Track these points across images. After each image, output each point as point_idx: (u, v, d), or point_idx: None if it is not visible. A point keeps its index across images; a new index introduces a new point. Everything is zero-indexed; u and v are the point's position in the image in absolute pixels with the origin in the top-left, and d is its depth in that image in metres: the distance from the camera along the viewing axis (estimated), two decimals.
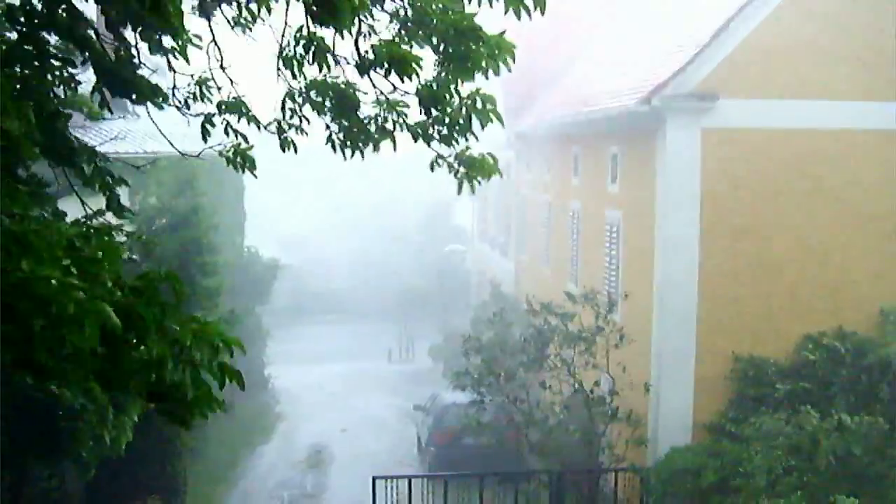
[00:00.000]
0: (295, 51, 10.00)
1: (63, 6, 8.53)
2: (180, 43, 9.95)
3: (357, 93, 10.23)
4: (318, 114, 10.41)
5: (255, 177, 11.46)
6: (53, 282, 5.94)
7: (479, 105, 9.82)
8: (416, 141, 10.30)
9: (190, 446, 26.26)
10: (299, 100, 10.45)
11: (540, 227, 37.50)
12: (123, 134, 20.80)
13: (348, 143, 10.45)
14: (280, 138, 10.97)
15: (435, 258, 59.83)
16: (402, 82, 9.63)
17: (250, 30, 10.56)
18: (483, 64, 9.55)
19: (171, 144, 12.05)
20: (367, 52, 9.51)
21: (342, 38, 9.57)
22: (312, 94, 10.32)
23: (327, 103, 10.26)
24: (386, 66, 9.36)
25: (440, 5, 9.50)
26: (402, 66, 9.23)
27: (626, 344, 24.08)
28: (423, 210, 67.55)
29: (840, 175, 23.70)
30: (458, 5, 9.57)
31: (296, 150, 11.07)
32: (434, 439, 31.60)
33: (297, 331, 59.04)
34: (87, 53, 9.23)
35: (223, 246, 29.40)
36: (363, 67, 9.62)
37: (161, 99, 10.48)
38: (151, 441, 21.69)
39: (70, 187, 10.48)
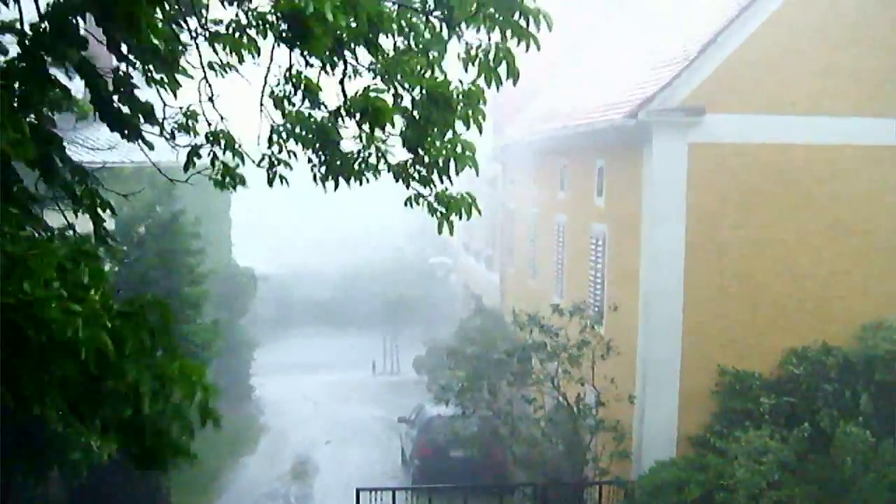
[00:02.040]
0: (284, 89, 10.04)
1: (69, 30, 8.52)
2: (169, 75, 9.94)
3: (340, 128, 10.25)
4: (303, 147, 10.41)
5: (246, 187, 11.42)
6: (53, 305, 5.95)
7: (458, 150, 9.85)
8: (396, 181, 10.34)
9: None
10: (284, 134, 10.45)
11: (526, 240, 37.53)
12: (113, 143, 20.80)
13: (329, 176, 10.47)
14: (269, 174, 10.98)
15: (421, 270, 59.88)
16: (373, 133, 9.69)
17: (226, 72, 10.52)
18: (455, 124, 9.66)
19: (160, 171, 12.09)
20: (348, 97, 9.57)
21: (326, 73, 9.61)
22: (297, 128, 10.33)
23: (310, 137, 10.29)
24: (360, 114, 9.40)
25: (415, 66, 9.55)
26: (377, 116, 9.27)
27: (613, 355, 24.10)
28: (410, 222, 67.46)
29: (826, 190, 23.75)
30: (429, 68, 9.64)
31: (288, 184, 11.12)
32: (418, 452, 31.59)
33: (282, 341, 59.00)
34: (85, 80, 9.23)
35: (208, 255, 29.30)
36: (345, 110, 9.67)
37: (154, 126, 10.45)
38: None
39: (55, 202, 10.44)
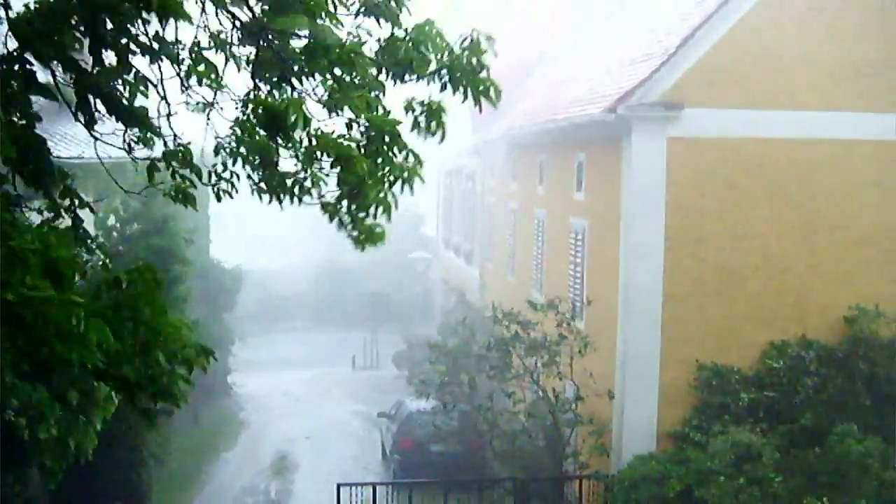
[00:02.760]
0: (247, 115, 10.03)
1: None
2: (129, 88, 9.91)
3: (278, 148, 10.26)
4: (242, 164, 10.39)
5: (195, 209, 11.35)
6: (56, 302, 6.12)
7: (387, 199, 9.91)
8: (324, 213, 10.36)
9: (154, 454, 26.15)
10: (227, 150, 10.43)
11: (505, 235, 37.58)
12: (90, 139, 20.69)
13: (268, 194, 10.46)
14: (214, 190, 10.95)
15: (400, 265, 59.78)
16: (347, 179, 9.70)
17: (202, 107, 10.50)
18: (400, 170, 9.74)
19: (117, 184, 12.06)
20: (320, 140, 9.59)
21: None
22: (240, 147, 10.31)
23: (250, 156, 10.28)
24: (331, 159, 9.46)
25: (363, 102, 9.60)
26: (348, 165, 9.33)
27: (592, 350, 24.17)
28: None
29: (805, 184, 23.86)
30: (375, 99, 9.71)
31: (231, 197, 11.06)
32: (399, 446, 31.57)
33: (261, 337, 58.80)
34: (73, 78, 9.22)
35: (189, 253, 29.29)
36: (311, 153, 9.71)
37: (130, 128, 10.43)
38: (116, 448, 21.61)
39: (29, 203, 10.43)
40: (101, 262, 10.89)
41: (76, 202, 10.11)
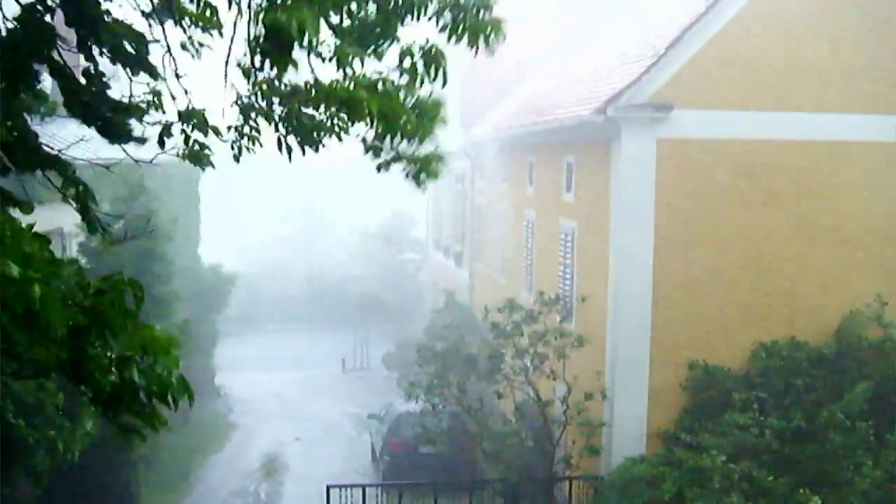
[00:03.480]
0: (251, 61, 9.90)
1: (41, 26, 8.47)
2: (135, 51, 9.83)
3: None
4: (267, 120, 10.23)
5: (213, 167, 11.21)
6: (16, 274, 6.03)
7: (425, 122, 9.73)
8: (366, 153, 10.19)
9: (143, 455, 26.11)
10: (251, 105, 10.26)
11: (495, 237, 37.56)
12: (85, 137, 20.67)
13: (299, 140, 10.24)
14: (234, 148, 10.82)
15: (390, 267, 59.72)
16: (353, 124, 9.57)
17: (198, 52, 10.41)
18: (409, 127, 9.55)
19: (127, 153, 11.87)
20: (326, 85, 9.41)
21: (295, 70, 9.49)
22: (263, 101, 10.15)
23: (276, 108, 10.10)
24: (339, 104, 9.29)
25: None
26: (354, 108, 9.15)
27: (583, 350, 24.14)
28: (380, 219, 67.40)
29: (793, 185, 23.90)
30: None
31: (254, 153, 10.88)
32: (388, 448, 31.56)
33: (251, 338, 58.84)
34: (59, 81, 9.16)
35: (178, 254, 29.27)
36: (318, 99, 9.54)
37: (134, 115, 10.36)
38: (104, 450, 21.57)
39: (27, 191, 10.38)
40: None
41: (81, 188, 10.01)
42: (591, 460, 24.08)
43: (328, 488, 24.76)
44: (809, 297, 23.99)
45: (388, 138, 9.66)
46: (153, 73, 9.97)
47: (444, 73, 9.49)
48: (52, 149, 9.85)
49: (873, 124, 23.69)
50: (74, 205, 10.06)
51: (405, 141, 9.79)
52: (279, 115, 10.02)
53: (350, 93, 9.02)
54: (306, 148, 10.14)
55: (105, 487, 23.52)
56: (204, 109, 10.50)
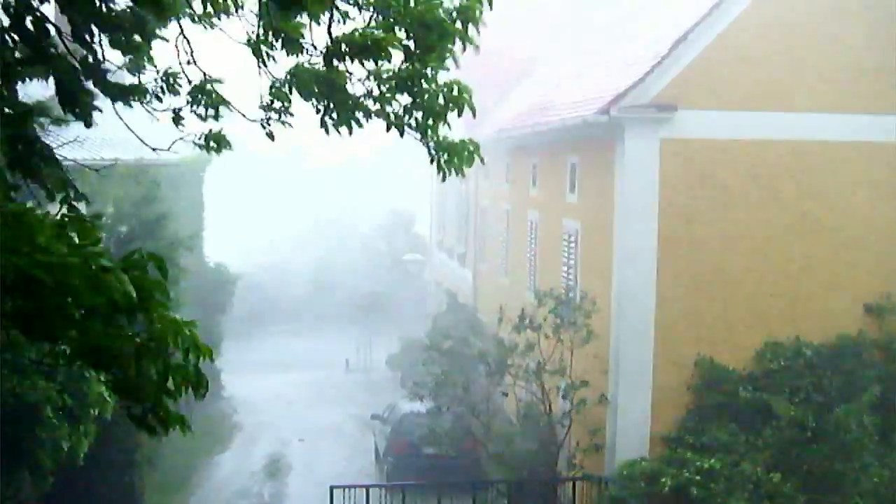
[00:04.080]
0: (267, 38, 9.90)
1: (31, 17, 8.45)
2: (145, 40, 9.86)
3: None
4: (306, 98, 10.19)
5: (231, 149, 11.16)
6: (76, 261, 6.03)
7: (455, 93, 9.78)
8: (388, 130, 10.17)
9: (146, 456, 26.11)
10: (285, 87, 10.25)
11: (498, 237, 37.55)
12: (82, 138, 20.70)
13: (341, 120, 10.21)
14: (263, 125, 10.77)
15: (394, 267, 59.74)
16: (376, 66, 9.55)
17: (212, 26, 10.42)
18: (449, 53, 9.59)
19: (143, 141, 11.81)
20: (339, 39, 9.39)
21: (318, 24, 9.47)
22: (297, 82, 10.13)
23: (315, 88, 10.07)
24: (359, 52, 9.25)
25: None
26: (378, 48, 9.12)
27: (587, 352, 24.14)
28: (383, 219, 67.46)
29: (798, 185, 23.89)
30: None
31: (290, 125, 10.82)
32: (392, 449, 31.56)
33: (254, 339, 58.82)
34: (51, 70, 9.14)
35: (183, 254, 29.27)
36: (335, 54, 9.49)
37: (134, 97, 10.36)
38: (108, 451, 21.58)
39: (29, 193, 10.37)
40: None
41: (72, 193, 10.03)
42: (595, 461, 24.08)
43: (332, 489, 24.74)
44: (814, 297, 23.97)
45: (414, 114, 9.70)
46: (150, 58, 9.98)
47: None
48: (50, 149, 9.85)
49: (877, 125, 23.67)
50: (66, 209, 10.09)
51: (432, 120, 9.81)
52: (317, 95, 10.00)
53: (373, 36, 9.08)
54: (342, 129, 10.13)
55: (109, 488, 23.52)
56: (219, 81, 10.47)
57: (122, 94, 10.13)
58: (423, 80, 9.61)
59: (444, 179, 10.47)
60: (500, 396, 26.53)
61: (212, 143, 10.97)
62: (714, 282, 23.81)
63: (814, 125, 23.72)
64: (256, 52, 9.97)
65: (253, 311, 62.26)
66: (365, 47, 9.18)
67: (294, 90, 10.12)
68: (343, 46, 9.34)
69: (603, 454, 24.03)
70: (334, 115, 10.07)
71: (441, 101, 9.69)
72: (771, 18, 23.49)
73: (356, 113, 10.02)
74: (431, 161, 10.23)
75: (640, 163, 23.39)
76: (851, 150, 23.95)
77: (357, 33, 9.24)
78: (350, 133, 10.12)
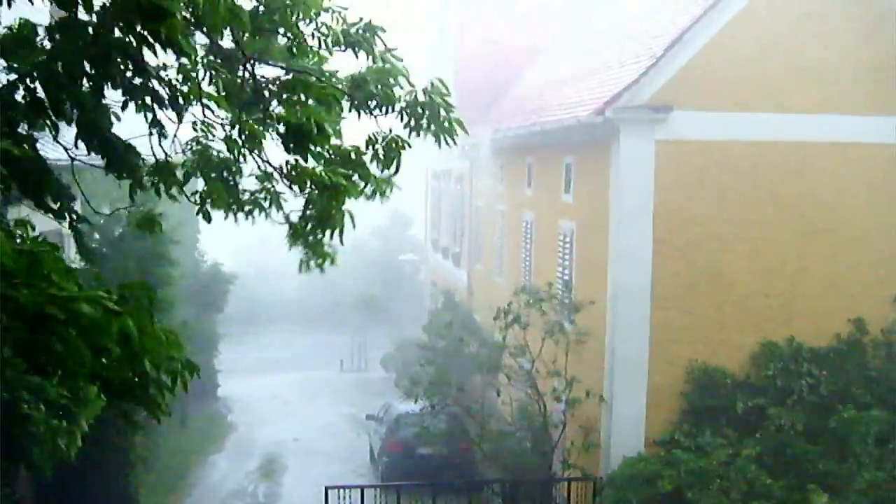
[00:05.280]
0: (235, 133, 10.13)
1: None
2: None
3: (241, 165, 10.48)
4: (194, 176, 10.53)
5: (184, 199, 11.34)
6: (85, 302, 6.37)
7: (346, 220, 10.40)
8: (288, 234, 11.05)
9: (142, 456, 26.10)
10: (192, 168, 10.57)
11: (493, 238, 37.55)
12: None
13: (215, 208, 10.60)
14: (198, 210, 10.98)
15: (389, 267, 59.79)
16: (336, 205, 10.02)
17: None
18: (364, 194, 10.36)
19: (131, 147, 11.86)
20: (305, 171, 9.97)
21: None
22: (201, 166, 10.46)
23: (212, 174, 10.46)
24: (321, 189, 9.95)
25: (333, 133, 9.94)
26: (338, 194, 9.94)
27: (581, 352, 24.16)
28: (378, 220, 67.42)
29: (793, 186, 23.90)
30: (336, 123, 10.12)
31: (210, 220, 11.12)
32: (387, 449, 31.57)
33: (249, 339, 58.92)
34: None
35: (179, 255, 29.28)
36: (297, 182, 10.11)
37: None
38: (103, 450, 21.56)
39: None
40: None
41: (75, 216, 10.16)
42: (590, 461, 24.10)
43: (327, 489, 24.71)
44: (809, 298, 23.99)
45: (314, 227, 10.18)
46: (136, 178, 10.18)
47: (398, 163, 10.39)
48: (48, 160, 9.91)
49: (872, 125, 23.68)
50: (63, 226, 10.22)
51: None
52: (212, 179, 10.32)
53: (338, 179, 9.76)
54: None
55: (104, 488, 23.50)
56: (176, 165, 10.69)
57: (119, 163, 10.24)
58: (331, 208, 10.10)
59: (300, 271, 11.65)
60: (495, 396, 26.53)
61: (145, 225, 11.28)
62: (709, 282, 23.82)
63: (810, 126, 23.71)
64: (231, 147, 10.16)
65: (248, 310, 62.30)
66: (323, 186, 9.87)
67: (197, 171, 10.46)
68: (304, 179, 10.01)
69: (598, 454, 24.04)
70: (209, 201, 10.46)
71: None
72: (767, 18, 23.49)
73: (240, 204, 10.67)
74: (299, 269, 11.37)
75: (636, 163, 23.40)
76: (847, 151, 23.95)
77: (320, 173, 9.87)
78: (235, 219, 10.83)
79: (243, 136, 9.76)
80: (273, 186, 10.48)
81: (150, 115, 9.63)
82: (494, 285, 36.40)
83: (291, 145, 9.51)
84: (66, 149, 10.04)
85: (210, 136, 10.29)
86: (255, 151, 10.02)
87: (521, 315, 25.38)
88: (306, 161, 9.75)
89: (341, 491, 24.95)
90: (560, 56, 39.78)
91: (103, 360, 6.80)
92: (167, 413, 7.64)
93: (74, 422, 14.84)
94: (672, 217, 23.49)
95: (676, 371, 23.50)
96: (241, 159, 10.27)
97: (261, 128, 9.68)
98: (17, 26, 8.81)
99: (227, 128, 10.07)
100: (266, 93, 9.97)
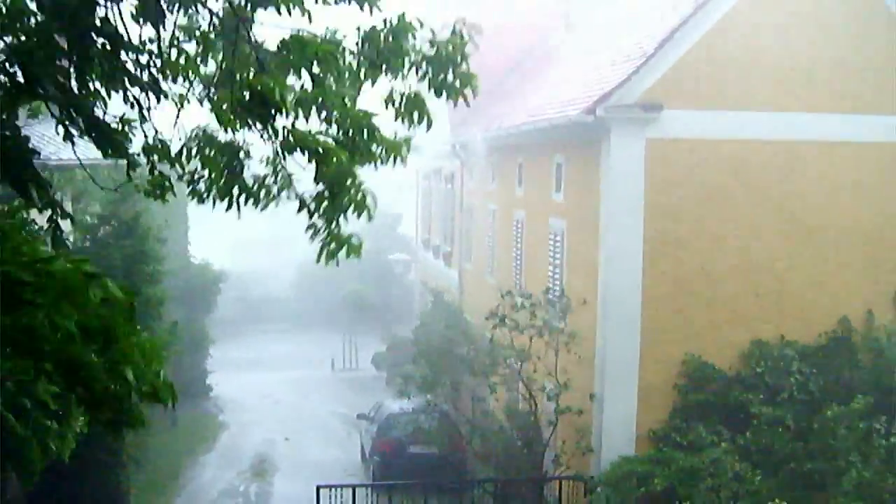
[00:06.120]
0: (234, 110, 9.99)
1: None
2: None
3: (248, 152, 10.29)
4: (203, 167, 10.34)
5: (173, 197, 11.21)
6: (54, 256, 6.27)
7: (359, 198, 9.92)
8: (299, 212, 10.31)
9: (133, 456, 26.07)
10: (193, 151, 10.37)
11: (484, 237, 37.54)
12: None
13: (226, 198, 10.41)
14: (189, 191, 10.83)
15: (379, 267, 59.70)
16: (321, 172, 9.69)
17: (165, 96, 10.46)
18: (379, 159, 9.95)
19: (95, 182, 11.89)
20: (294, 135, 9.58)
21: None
22: (205, 148, 10.27)
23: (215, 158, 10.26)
24: (307, 152, 9.47)
25: (341, 97, 9.71)
26: (326, 157, 9.36)
27: (572, 351, 24.17)
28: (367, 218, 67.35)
29: (783, 186, 23.94)
30: (353, 91, 9.91)
31: (203, 201, 10.91)
32: (378, 448, 31.56)
33: (240, 339, 58.83)
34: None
35: (168, 254, 29.23)
36: (286, 147, 9.70)
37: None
38: (94, 451, 21.52)
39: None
40: None
41: (58, 212, 10.06)
42: (582, 460, 24.12)
43: (318, 488, 24.74)
44: (799, 296, 24.03)
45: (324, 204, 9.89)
46: (127, 157, 10.07)
47: (429, 117, 10.11)
48: (39, 155, 9.83)
49: (862, 124, 23.74)
50: (51, 228, 10.13)
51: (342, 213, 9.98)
52: (217, 165, 10.16)
53: (324, 144, 9.38)
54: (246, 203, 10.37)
55: (95, 488, 23.44)
56: (169, 141, 10.56)
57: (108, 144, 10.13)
58: (352, 178, 9.76)
59: (317, 261, 10.52)
60: (486, 395, 26.53)
61: (158, 190, 11.05)
62: (700, 281, 23.86)
63: (801, 125, 23.76)
64: (222, 120, 9.98)
65: (238, 310, 62.25)
66: (315, 151, 9.41)
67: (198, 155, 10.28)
68: (292, 140, 9.55)
69: (589, 453, 24.04)
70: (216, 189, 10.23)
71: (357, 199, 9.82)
72: (757, 17, 23.53)
73: (254, 192, 10.26)
74: (318, 259, 10.33)
75: (626, 162, 23.42)
76: (838, 149, 24.00)
77: (310, 137, 9.47)
78: (239, 211, 10.33)
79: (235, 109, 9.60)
80: (283, 166, 10.17)
81: (130, 95, 9.56)
82: (485, 284, 36.38)
83: (255, 112, 9.16)
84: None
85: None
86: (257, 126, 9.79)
87: (506, 317, 25.33)
88: (266, 127, 9.44)
89: (333, 490, 25.00)
90: (552, 55, 39.77)
91: (81, 373, 6.72)
92: (143, 424, 7.54)
93: (66, 422, 14.80)
94: (663, 215, 23.52)
95: (667, 369, 23.54)
96: (242, 140, 10.07)
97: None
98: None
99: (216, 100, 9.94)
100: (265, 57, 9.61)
